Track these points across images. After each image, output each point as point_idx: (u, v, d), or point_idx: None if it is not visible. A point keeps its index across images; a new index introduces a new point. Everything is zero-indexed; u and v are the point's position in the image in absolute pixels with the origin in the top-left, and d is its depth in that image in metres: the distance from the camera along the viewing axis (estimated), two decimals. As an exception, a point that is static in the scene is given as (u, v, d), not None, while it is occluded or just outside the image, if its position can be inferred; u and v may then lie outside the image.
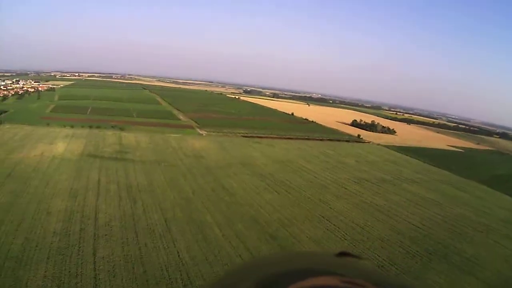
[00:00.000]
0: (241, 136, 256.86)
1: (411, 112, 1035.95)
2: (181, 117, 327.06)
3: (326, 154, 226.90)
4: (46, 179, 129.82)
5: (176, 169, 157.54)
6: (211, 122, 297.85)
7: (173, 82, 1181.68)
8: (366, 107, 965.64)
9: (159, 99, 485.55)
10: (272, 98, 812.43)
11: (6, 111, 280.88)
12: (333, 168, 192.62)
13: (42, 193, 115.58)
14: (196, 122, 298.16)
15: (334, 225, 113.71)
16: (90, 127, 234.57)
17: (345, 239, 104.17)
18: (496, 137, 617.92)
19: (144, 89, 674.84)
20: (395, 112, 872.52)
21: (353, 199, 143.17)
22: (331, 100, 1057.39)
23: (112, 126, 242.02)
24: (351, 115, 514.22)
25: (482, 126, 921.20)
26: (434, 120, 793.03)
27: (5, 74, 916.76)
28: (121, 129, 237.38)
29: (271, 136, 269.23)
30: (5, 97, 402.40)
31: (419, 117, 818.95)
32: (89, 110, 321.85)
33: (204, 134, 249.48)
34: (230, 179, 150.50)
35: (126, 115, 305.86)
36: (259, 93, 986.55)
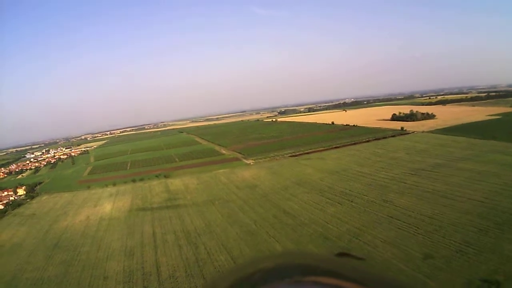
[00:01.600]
0: (289, 156, 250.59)
1: (442, 93, 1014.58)
2: (224, 151, 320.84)
3: (377, 154, 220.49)
4: (97, 243, 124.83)
5: (232, 204, 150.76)
6: (255, 150, 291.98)
7: (207, 120, 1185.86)
8: (400, 99, 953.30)
9: (197, 139, 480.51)
10: (308, 113, 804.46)
11: (41, 182, 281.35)
12: (387, 166, 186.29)
13: (95, 258, 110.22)
14: (240, 153, 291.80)
15: (404, 222, 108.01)
16: (133, 181, 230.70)
17: (419, 234, 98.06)
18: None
19: (181, 132, 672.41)
20: (428, 97, 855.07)
21: (414, 191, 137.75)
22: (365, 101, 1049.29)
23: (156, 176, 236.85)
24: (388, 110, 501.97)
25: (509, 88, 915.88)
26: (466, 95, 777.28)
27: (33, 146, 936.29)
28: (166, 176, 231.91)
29: (319, 149, 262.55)
30: (37, 169, 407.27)
31: (451, 96, 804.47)
32: (128, 164, 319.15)
33: (251, 163, 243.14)
34: (290, 202, 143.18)
35: (168, 162, 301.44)
36: (294, 111, 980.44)
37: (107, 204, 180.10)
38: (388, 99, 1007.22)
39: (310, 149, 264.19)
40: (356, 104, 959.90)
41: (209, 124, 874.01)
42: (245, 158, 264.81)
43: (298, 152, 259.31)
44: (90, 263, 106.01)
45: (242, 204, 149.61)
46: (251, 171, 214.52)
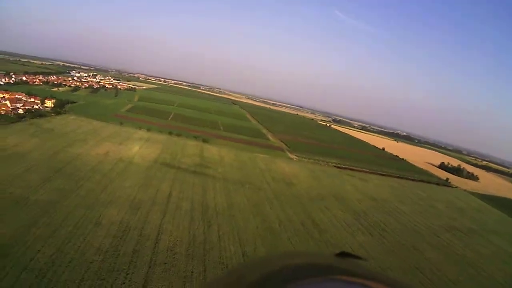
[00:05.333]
0: (334, 166, 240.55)
1: (487, 159, 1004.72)
2: (270, 137, 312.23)
3: (418, 196, 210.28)
4: (104, 183, 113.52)
5: (262, 194, 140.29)
6: (302, 147, 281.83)
7: (263, 102, 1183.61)
8: (448, 149, 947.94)
9: (248, 116, 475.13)
10: (361, 131, 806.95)
11: (74, 102, 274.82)
12: (425, 211, 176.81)
13: (95, 199, 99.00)
14: (286, 144, 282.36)
15: (427, 278, 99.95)
16: (170, 133, 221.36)
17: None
18: None
19: (234, 104, 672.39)
20: (474, 158, 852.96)
21: (445, 249, 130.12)
22: (416, 139, 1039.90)
23: (195, 137, 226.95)
24: (437, 156, 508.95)
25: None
26: (509, 169, 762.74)
27: (82, 66, 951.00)
28: (205, 140, 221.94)
29: (364, 170, 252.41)
30: (76, 88, 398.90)
31: (495, 165, 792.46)
32: (171, 116, 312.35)
33: (294, 159, 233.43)
34: (321, 213, 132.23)
35: (211, 127, 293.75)
36: (348, 124, 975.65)
37: (133, 146, 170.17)
38: (437, 145, 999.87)
39: (355, 167, 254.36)
40: (408, 139, 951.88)
41: (264, 106, 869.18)
42: (289, 152, 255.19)
43: (343, 165, 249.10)
44: (87, 202, 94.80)
45: (272, 197, 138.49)
46: (291, 167, 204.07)
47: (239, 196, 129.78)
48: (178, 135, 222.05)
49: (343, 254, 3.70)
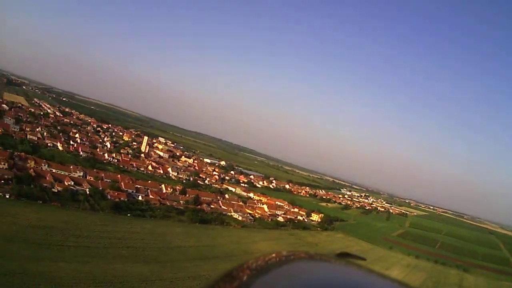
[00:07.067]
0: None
1: None
2: None
3: None
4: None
5: None
6: None
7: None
8: None
9: (501, 245, 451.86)
10: None
11: (344, 221, 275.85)
12: None
13: None
14: None
15: None
16: (436, 262, 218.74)
17: None
18: None
19: (491, 233, 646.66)
20: None
21: None
22: None
23: (457, 266, 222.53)
24: None
25: None
26: None
27: (354, 186, 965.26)
28: (465, 270, 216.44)
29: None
30: (346, 207, 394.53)
31: None
32: (438, 244, 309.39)
33: None
34: None
35: (471, 257, 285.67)
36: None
37: (398, 272, 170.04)
38: None
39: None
40: None
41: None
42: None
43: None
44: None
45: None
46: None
47: None
48: (443, 263, 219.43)
49: (343, 255, 4.38)
